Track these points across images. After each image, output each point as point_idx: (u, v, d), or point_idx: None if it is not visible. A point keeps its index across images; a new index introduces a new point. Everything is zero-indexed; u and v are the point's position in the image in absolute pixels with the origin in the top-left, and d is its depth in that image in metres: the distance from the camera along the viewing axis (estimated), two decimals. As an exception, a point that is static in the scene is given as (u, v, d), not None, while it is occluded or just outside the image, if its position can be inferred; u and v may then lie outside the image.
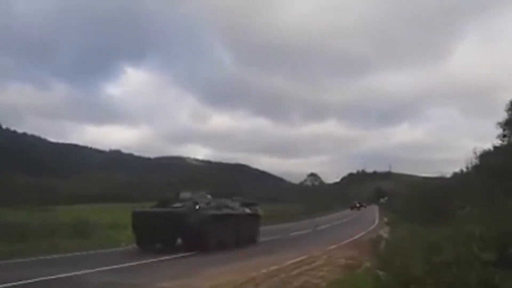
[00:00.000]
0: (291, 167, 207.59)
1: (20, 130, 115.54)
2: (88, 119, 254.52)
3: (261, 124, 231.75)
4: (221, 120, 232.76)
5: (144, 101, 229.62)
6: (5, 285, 7.98)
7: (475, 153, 20.52)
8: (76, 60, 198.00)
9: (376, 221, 35.54)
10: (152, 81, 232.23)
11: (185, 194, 15.37)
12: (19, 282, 8.27)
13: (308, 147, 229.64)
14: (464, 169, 23.01)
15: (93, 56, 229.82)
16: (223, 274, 9.72)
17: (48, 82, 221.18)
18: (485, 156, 20.13)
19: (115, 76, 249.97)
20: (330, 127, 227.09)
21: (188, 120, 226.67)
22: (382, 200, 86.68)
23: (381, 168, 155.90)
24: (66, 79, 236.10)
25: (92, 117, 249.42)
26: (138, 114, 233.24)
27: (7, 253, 12.10)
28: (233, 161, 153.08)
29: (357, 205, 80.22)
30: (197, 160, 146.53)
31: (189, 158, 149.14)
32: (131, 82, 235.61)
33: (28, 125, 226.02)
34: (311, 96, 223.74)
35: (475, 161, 20.93)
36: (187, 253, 13.51)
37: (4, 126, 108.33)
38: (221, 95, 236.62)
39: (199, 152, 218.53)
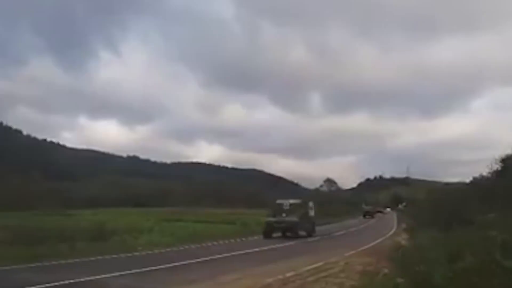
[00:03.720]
0: (307, 171, 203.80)
1: (40, 136, 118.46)
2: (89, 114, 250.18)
3: (278, 115, 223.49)
4: (233, 115, 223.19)
5: (159, 99, 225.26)
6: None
7: (495, 158, 20.17)
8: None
9: (394, 228, 35.02)
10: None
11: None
12: (42, 286, 8.44)
13: (325, 150, 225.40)
14: (485, 174, 22.55)
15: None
16: (238, 280, 9.71)
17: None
18: (507, 160, 19.72)
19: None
20: (345, 124, 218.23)
21: (201, 117, 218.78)
22: (400, 206, 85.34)
23: (399, 173, 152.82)
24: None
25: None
26: (152, 112, 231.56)
27: (28, 256, 12.32)
28: (248, 166, 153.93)
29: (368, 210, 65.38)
30: (213, 165, 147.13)
31: (205, 164, 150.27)
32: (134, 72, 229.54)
33: (47, 131, 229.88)
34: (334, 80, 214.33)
35: (496, 166, 20.53)
36: (204, 258, 13.60)
37: (25, 133, 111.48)
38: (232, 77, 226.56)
39: (214, 153, 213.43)
